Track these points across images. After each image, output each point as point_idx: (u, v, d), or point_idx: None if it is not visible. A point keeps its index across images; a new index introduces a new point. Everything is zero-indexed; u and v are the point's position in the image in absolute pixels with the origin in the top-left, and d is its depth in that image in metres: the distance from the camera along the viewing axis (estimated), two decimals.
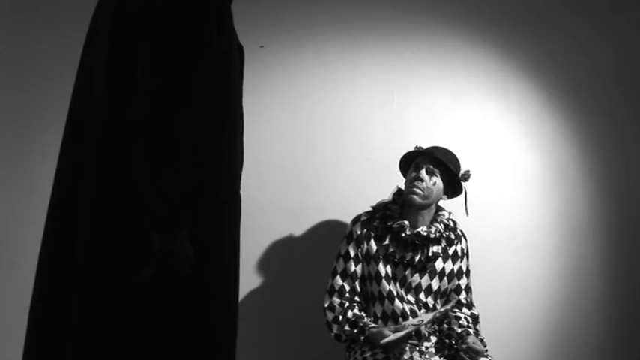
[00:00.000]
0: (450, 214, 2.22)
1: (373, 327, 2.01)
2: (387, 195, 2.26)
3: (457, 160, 2.18)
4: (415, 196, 2.10)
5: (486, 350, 2.03)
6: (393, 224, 2.11)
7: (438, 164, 2.11)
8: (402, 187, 2.22)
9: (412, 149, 2.20)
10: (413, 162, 2.18)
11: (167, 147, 1.15)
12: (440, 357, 2.04)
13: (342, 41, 2.66)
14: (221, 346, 1.31)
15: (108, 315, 1.22)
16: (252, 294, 2.51)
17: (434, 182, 2.11)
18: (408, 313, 2.07)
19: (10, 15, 2.45)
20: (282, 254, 2.53)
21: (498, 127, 2.74)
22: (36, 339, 1.30)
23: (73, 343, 1.23)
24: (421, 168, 2.12)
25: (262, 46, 2.59)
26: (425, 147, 2.19)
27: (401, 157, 2.23)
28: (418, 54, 2.72)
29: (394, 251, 2.12)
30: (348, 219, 2.22)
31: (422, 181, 2.09)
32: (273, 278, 2.53)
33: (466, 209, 2.19)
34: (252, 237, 2.50)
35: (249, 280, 2.50)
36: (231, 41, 1.37)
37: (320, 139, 2.60)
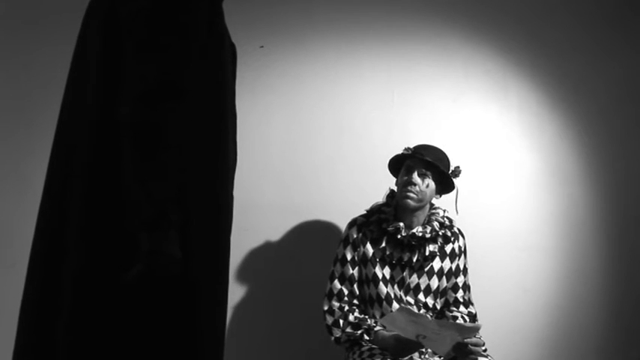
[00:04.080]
0: (444, 211, 2.22)
1: (380, 329, 2.01)
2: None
3: (446, 157, 2.17)
4: (410, 200, 2.09)
5: (485, 350, 2.03)
6: (388, 227, 2.11)
7: (428, 166, 2.10)
8: (394, 188, 2.22)
9: (401, 152, 2.18)
10: (403, 163, 2.17)
11: (155, 149, 1.15)
12: (439, 357, 2.04)
13: (341, 41, 2.66)
14: (210, 346, 1.31)
15: (97, 315, 1.22)
16: (251, 294, 2.51)
17: (427, 184, 2.11)
18: None
19: (11, 14, 2.45)
20: (282, 254, 2.53)
21: (498, 127, 2.74)
22: (26, 341, 1.29)
23: (62, 343, 1.22)
24: (413, 171, 2.11)
25: (262, 46, 2.59)
26: (415, 147, 2.17)
27: (389, 159, 2.21)
28: (418, 54, 2.72)
29: (391, 253, 2.12)
30: (347, 219, 2.22)
31: (415, 184, 2.09)
32: (272, 278, 2.53)
33: (456, 208, 2.19)
34: (251, 237, 2.50)
35: (248, 280, 2.50)
36: (222, 39, 1.36)
37: (319, 139, 2.60)
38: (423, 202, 2.12)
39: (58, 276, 1.26)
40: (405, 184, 2.11)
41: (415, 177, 2.10)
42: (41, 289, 1.29)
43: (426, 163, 2.10)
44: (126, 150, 1.17)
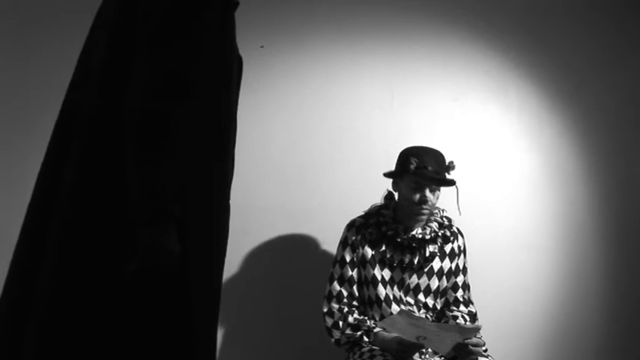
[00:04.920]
0: (443, 211, 2.21)
1: (380, 331, 2.01)
2: None
3: (443, 156, 2.14)
4: (424, 217, 2.10)
5: (486, 350, 2.03)
6: (388, 230, 2.11)
7: (439, 182, 2.08)
8: (391, 189, 2.21)
9: (409, 166, 2.06)
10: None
11: (159, 144, 1.15)
12: (440, 357, 2.04)
13: (342, 41, 2.66)
14: (202, 344, 1.30)
15: (80, 313, 1.21)
16: (251, 295, 2.50)
17: (437, 197, 2.12)
18: None
19: (11, 14, 2.45)
20: (282, 255, 2.53)
21: (498, 127, 2.74)
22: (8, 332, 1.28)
23: (39, 342, 1.21)
24: (424, 189, 2.08)
25: (262, 46, 2.59)
26: (417, 155, 2.08)
27: (389, 172, 2.16)
28: (418, 54, 2.72)
29: (392, 256, 2.12)
30: (347, 219, 2.22)
31: (428, 201, 2.08)
32: (271, 280, 2.53)
33: (458, 209, 2.19)
34: (251, 237, 2.50)
35: (247, 282, 2.50)
36: (231, 47, 1.37)
37: (320, 140, 2.60)
38: (431, 212, 2.13)
39: (41, 273, 1.25)
40: (419, 202, 2.07)
41: (428, 194, 2.08)
42: (22, 286, 1.28)
43: (437, 181, 2.07)
44: (129, 144, 1.17)
